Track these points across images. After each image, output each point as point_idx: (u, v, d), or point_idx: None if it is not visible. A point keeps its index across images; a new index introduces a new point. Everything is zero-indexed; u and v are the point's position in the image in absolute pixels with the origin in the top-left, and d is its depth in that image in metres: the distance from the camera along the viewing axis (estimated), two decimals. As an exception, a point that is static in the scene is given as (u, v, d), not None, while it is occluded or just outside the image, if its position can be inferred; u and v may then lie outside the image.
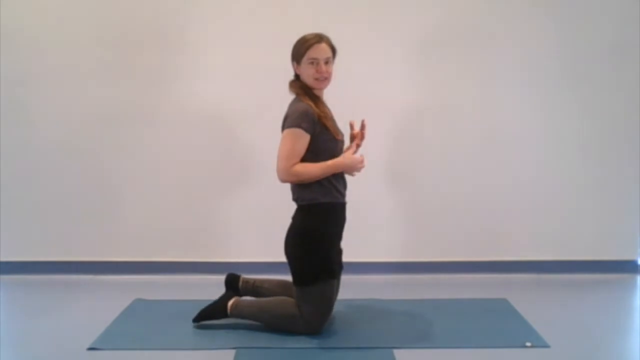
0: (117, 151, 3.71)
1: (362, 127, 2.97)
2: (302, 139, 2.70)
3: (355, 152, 2.92)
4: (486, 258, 3.77)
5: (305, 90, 2.81)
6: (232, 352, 2.69)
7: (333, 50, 2.83)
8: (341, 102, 2.94)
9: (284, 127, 2.77)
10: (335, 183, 2.82)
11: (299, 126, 2.69)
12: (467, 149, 3.71)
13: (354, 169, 2.84)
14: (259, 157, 3.50)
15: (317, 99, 2.81)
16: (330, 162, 2.77)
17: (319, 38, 2.79)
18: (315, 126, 2.72)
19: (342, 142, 2.90)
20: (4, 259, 3.75)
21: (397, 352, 2.68)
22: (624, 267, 3.77)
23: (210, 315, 2.95)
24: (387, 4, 3.61)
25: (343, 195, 2.88)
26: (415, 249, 3.78)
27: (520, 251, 3.78)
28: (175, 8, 3.60)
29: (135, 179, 3.74)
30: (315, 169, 2.74)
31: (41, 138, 3.70)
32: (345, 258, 3.44)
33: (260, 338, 2.83)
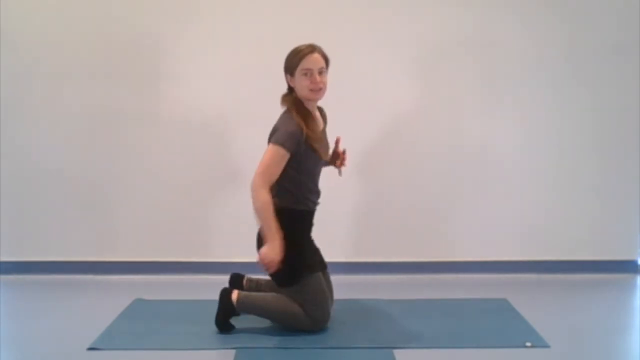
0: (117, 151, 3.71)
1: (343, 152, 3.04)
2: (283, 159, 2.72)
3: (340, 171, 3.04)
4: (486, 258, 3.77)
5: (298, 106, 2.79)
6: (232, 352, 2.69)
7: (326, 60, 2.81)
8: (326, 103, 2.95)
9: (270, 138, 2.77)
10: (307, 194, 2.87)
11: (282, 145, 2.70)
12: (467, 149, 3.71)
13: (263, 259, 2.74)
14: (257, 157, 3.49)
15: (308, 114, 2.80)
16: (274, 229, 2.70)
17: (312, 48, 2.77)
18: (300, 146, 2.73)
19: (325, 162, 2.96)
20: (4, 259, 3.75)
21: (397, 352, 2.67)
22: (624, 267, 3.76)
23: (224, 318, 2.91)
24: (386, 4, 3.61)
25: (315, 204, 2.94)
26: (415, 249, 3.78)
27: (520, 251, 3.78)
28: (170, 11, 3.60)
29: (135, 179, 3.73)
30: (265, 215, 2.70)
31: (41, 138, 3.70)
32: (345, 258, 3.45)
33: (260, 338, 2.83)
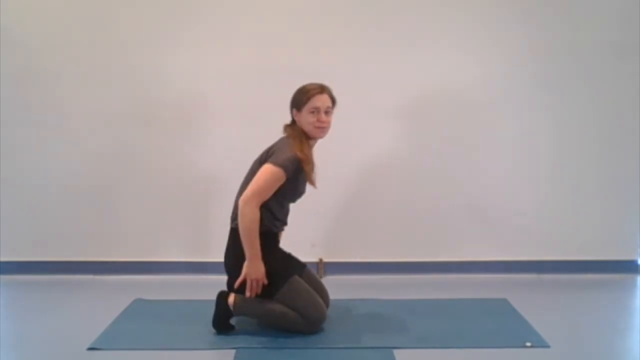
0: (117, 151, 3.71)
1: None
2: (279, 181, 2.75)
3: None
4: (486, 258, 3.77)
5: (301, 137, 2.83)
6: (232, 352, 2.70)
7: (333, 101, 2.88)
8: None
9: (267, 159, 2.79)
10: (278, 215, 2.88)
11: (283, 167, 2.73)
12: (467, 148, 3.71)
13: (252, 275, 2.80)
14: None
15: (306, 145, 2.83)
16: (257, 248, 2.76)
17: (322, 89, 2.84)
18: (295, 173, 2.77)
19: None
20: (4, 259, 3.75)
21: (397, 352, 2.67)
22: (624, 267, 3.76)
23: (221, 321, 2.91)
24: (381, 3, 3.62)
25: (283, 225, 2.96)
26: (414, 248, 3.78)
27: (520, 251, 3.78)
28: (170, 11, 3.60)
29: (135, 179, 3.73)
30: (252, 234, 2.73)
31: (41, 138, 3.70)
32: (345, 258, 3.43)
33: (260, 338, 2.83)
